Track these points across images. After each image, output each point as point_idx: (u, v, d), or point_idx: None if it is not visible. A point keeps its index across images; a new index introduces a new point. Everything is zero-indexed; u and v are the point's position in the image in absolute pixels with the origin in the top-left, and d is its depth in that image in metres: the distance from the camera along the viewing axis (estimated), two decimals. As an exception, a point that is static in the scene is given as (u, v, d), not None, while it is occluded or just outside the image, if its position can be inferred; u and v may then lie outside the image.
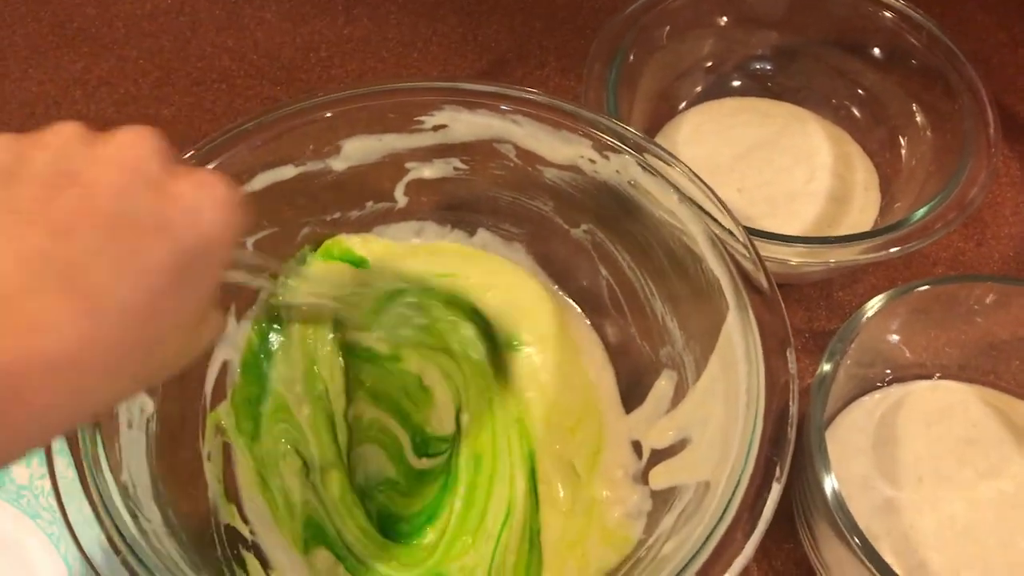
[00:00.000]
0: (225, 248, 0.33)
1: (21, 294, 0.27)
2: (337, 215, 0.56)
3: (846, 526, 0.44)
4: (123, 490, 0.42)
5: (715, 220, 0.47)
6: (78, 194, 0.30)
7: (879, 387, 0.56)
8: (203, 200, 0.32)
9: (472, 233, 0.59)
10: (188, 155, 0.48)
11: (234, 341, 0.54)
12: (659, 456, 0.51)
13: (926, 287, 0.50)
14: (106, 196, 0.30)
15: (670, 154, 0.49)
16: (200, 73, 0.74)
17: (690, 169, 0.48)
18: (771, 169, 0.64)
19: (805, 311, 0.62)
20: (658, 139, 0.66)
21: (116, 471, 0.42)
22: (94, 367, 0.29)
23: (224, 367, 0.53)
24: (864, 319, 0.49)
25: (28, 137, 0.32)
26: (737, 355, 0.44)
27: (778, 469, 0.40)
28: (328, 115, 0.51)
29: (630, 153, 0.50)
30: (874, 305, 0.50)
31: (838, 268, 0.59)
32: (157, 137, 0.33)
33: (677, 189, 0.48)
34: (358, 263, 0.57)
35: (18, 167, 0.30)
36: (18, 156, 0.31)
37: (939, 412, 0.55)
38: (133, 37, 0.76)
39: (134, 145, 0.32)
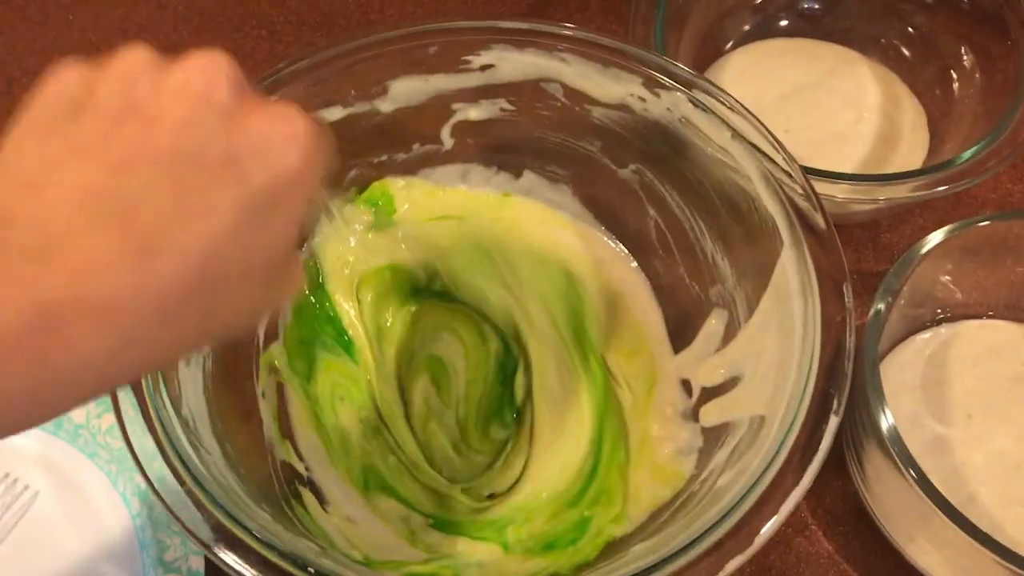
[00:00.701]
0: (302, 190, 0.31)
1: (71, 232, 0.26)
2: (384, 158, 0.56)
3: (902, 460, 0.44)
4: (184, 423, 0.42)
5: (769, 158, 0.47)
6: (140, 128, 0.28)
7: (929, 326, 0.56)
8: (276, 136, 0.30)
9: (518, 175, 0.59)
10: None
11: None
12: (709, 394, 0.51)
13: (984, 223, 0.50)
14: (169, 130, 0.28)
15: (723, 91, 0.49)
16: (240, 19, 0.74)
17: (744, 106, 0.48)
18: (818, 111, 0.63)
19: (853, 252, 0.62)
20: (703, 80, 0.66)
21: (177, 405, 0.43)
22: (147, 314, 0.27)
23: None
24: (918, 258, 0.49)
25: (98, 66, 0.30)
26: (792, 290, 0.45)
27: (835, 402, 0.40)
28: (376, 55, 0.51)
29: (682, 90, 0.49)
30: (928, 243, 0.49)
31: (886, 208, 0.59)
32: (230, 64, 0.30)
33: (730, 127, 0.48)
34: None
35: (85, 98, 0.29)
36: (86, 87, 0.29)
37: (988, 351, 0.55)
38: (171, -13, 0.76)
39: (204, 72, 0.29)
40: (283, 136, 0.30)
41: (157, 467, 0.40)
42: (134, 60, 0.30)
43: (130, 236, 0.27)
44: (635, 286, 0.58)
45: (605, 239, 0.59)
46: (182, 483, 0.40)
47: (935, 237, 0.49)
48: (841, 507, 0.53)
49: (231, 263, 0.29)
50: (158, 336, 0.28)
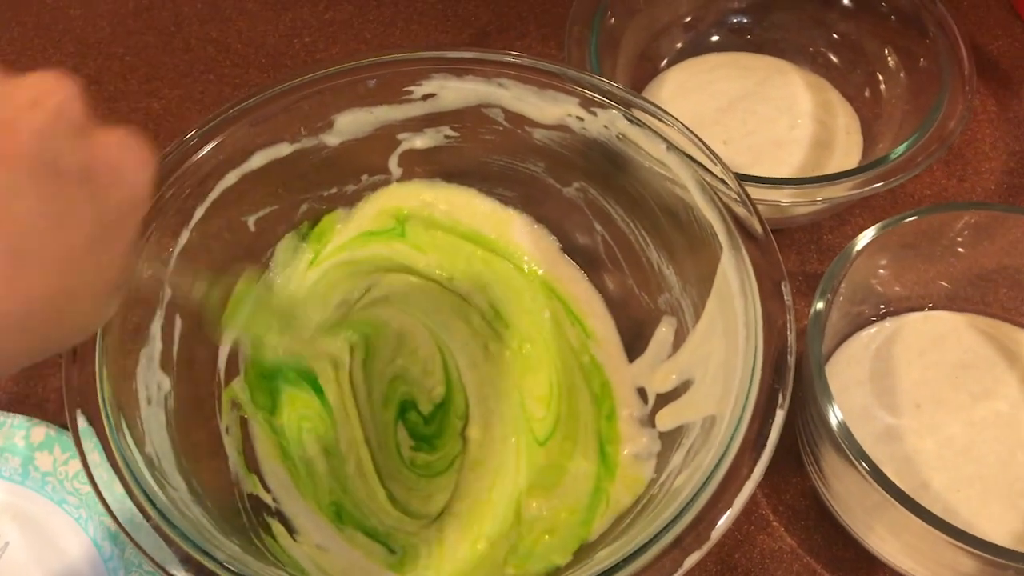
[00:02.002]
0: (141, 212, 0.32)
1: None
2: (334, 190, 0.58)
3: (853, 453, 0.45)
4: (148, 461, 0.43)
5: (704, 168, 0.48)
6: (4, 133, 0.28)
7: (874, 321, 0.57)
8: (129, 159, 0.31)
9: (467, 199, 0.60)
10: (188, 136, 0.49)
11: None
12: (664, 400, 0.52)
13: (912, 218, 0.51)
14: (28, 138, 0.28)
15: (656, 105, 0.50)
16: (187, 66, 0.75)
17: (677, 119, 0.50)
18: (755, 120, 0.65)
19: (797, 254, 0.64)
20: (642, 98, 0.67)
21: (140, 443, 0.43)
22: (3, 316, 0.27)
23: (236, 343, 0.54)
24: (853, 254, 0.51)
25: None
26: (733, 292, 0.46)
27: (780, 396, 0.42)
28: (319, 91, 0.52)
29: (616, 107, 0.51)
30: (862, 240, 0.51)
31: (826, 209, 0.61)
32: (79, 85, 0.30)
33: (665, 139, 0.50)
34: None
35: None
36: None
37: (932, 341, 0.56)
38: (118, 35, 0.77)
39: (56, 88, 0.29)
40: (136, 159, 0.31)
41: (127, 508, 0.41)
42: None
43: (4, 246, 0.26)
44: (589, 299, 0.59)
45: (559, 255, 0.60)
46: (148, 518, 0.40)
47: (866, 235, 0.51)
48: (801, 503, 0.55)
49: (81, 275, 0.29)
50: (10, 339, 0.28)
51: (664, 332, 0.54)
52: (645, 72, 0.69)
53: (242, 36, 0.77)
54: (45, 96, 0.29)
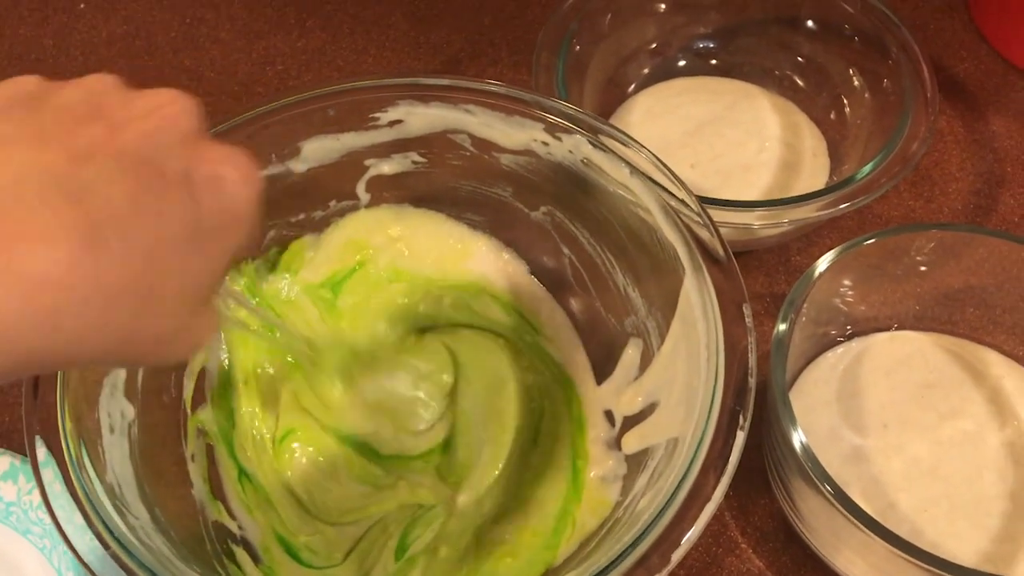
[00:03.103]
0: (244, 229, 0.32)
1: (22, 206, 0.25)
2: (301, 216, 0.58)
3: (817, 476, 0.45)
4: (109, 490, 0.43)
5: (667, 191, 0.49)
6: (105, 128, 0.29)
7: (840, 342, 0.57)
8: (232, 172, 0.31)
9: (437, 226, 0.60)
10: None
11: (211, 346, 0.55)
12: (630, 422, 0.52)
13: (872, 240, 0.52)
14: (134, 135, 0.29)
15: (619, 130, 0.51)
16: (160, 94, 0.75)
17: (640, 143, 0.50)
18: (722, 143, 0.66)
19: (765, 276, 0.64)
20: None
21: (101, 473, 0.43)
22: (77, 298, 0.26)
23: (203, 372, 0.54)
24: (815, 276, 0.51)
25: (62, 80, 0.31)
26: (696, 315, 0.46)
27: (741, 417, 0.42)
28: (285, 117, 0.52)
29: (581, 132, 0.51)
30: (822, 263, 0.51)
31: (794, 231, 0.61)
32: (196, 103, 0.32)
33: (628, 163, 0.50)
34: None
35: (45, 96, 0.30)
36: (46, 88, 0.30)
37: (898, 361, 0.56)
38: (91, 64, 0.77)
39: (174, 101, 0.31)
40: (238, 174, 0.32)
41: (87, 539, 0.41)
42: (103, 79, 0.32)
43: (79, 217, 0.26)
44: (557, 323, 0.59)
45: (528, 279, 0.60)
46: (107, 547, 0.40)
47: (826, 258, 0.51)
48: (769, 524, 0.55)
49: (168, 275, 0.29)
50: (82, 326, 0.27)
51: (631, 354, 0.54)
52: (613, 97, 0.69)
53: (215, 64, 0.77)
54: (162, 106, 0.31)
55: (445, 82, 0.53)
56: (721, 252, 0.47)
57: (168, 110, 0.31)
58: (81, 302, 0.26)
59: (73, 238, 0.26)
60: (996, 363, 0.56)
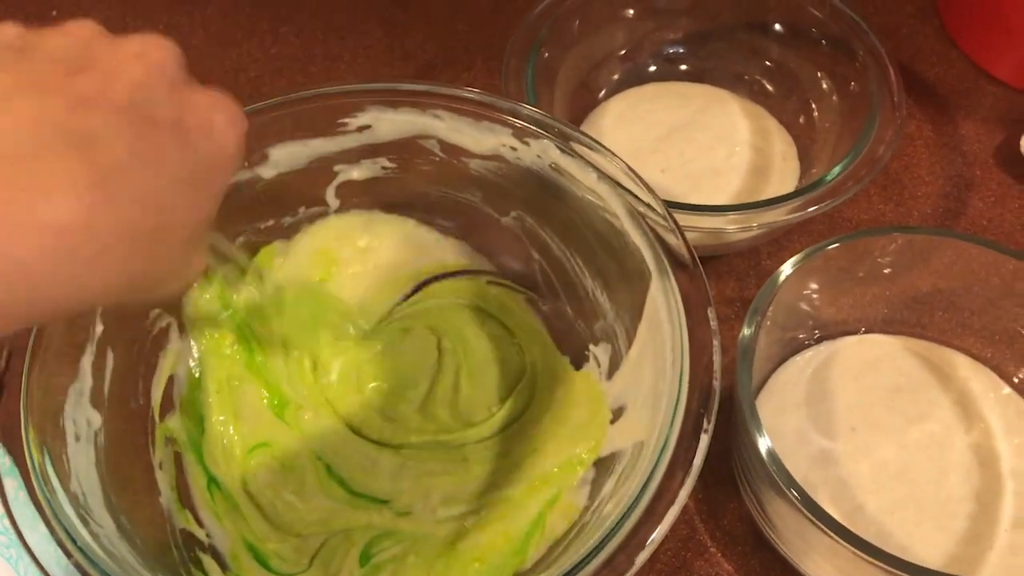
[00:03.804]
0: (232, 169, 0.34)
1: (30, 155, 0.26)
2: (271, 222, 0.58)
3: (783, 481, 0.45)
4: (73, 499, 0.42)
5: (634, 195, 0.49)
6: (98, 77, 0.30)
7: (809, 346, 0.58)
8: (220, 116, 0.33)
9: (407, 231, 0.60)
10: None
11: (180, 353, 0.55)
12: (599, 426, 0.52)
13: (836, 245, 0.52)
14: (126, 84, 0.30)
15: (587, 135, 0.51)
16: (132, 101, 0.75)
17: (607, 147, 0.50)
18: (692, 148, 0.66)
19: (736, 280, 0.64)
20: (582, 128, 0.68)
21: (65, 481, 0.43)
22: (89, 243, 0.27)
23: (171, 380, 0.54)
24: (780, 281, 0.51)
25: (43, 27, 0.32)
26: (661, 318, 0.46)
27: (705, 420, 0.42)
28: (251, 124, 0.52)
29: (548, 137, 0.51)
30: (789, 266, 0.51)
31: (764, 234, 0.61)
32: (175, 46, 0.33)
33: (595, 168, 0.50)
34: None
35: (31, 46, 0.30)
36: (29, 38, 0.31)
37: (867, 364, 0.57)
38: (63, 71, 0.77)
39: (159, 47, 0.32)
40: (226, 117, 0.33)
41: (53, 548, 0.40)
42: (85, 25, 0.32)
43: (88, 166, 0.27)
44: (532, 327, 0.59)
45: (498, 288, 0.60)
46: (69, 555, 0.40)
47: (790, 263, 0.51)
48: (739, 528, 0.55)
49: (170, 217, 0.31)
50: (99, 271, 0.28)
51: (600, 359, 0.54)
52: (584, 102, 0.69)
53: (188, 70, 0.77)
54: (147, 52, 0.32)
55: (413, 87, 0.53)
56: (687, 256, 0.47)
57: (155, 56, 0.32)
58: (99, 247, 0.28)
59: (84, 186, 0.27)
60: (963, 366, 0.56)
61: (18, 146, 0.26)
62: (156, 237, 0.30)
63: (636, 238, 0.48)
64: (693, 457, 0.41)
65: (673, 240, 0.47)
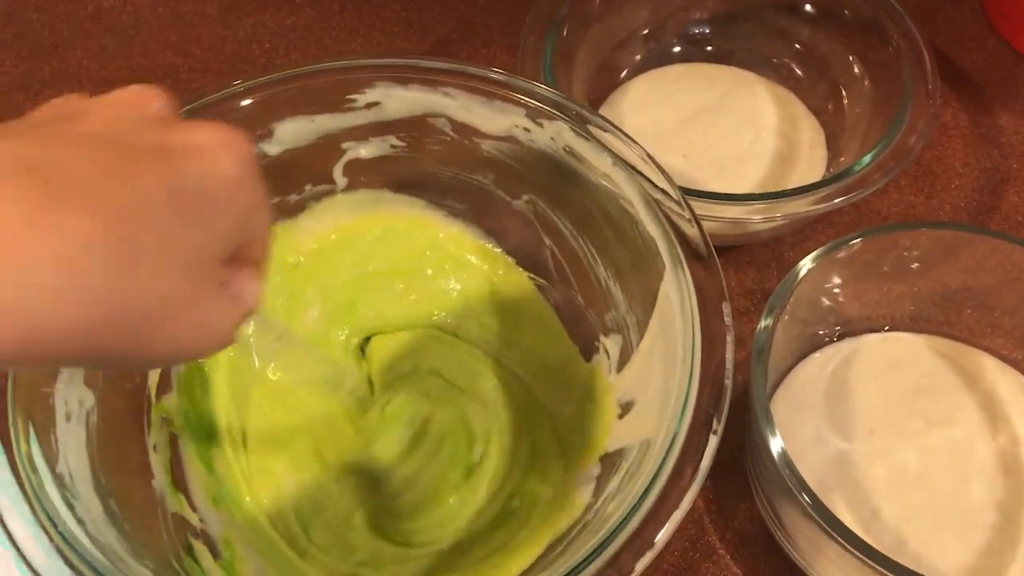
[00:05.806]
0: (241, 196, 0.31)
1: None
2: (276, 200, 0.56)
3: (795, 485, 0.44)
4: (58, 480, 0.41)
5: (651, 182, 0.47)
6: (75, 119, 0.30)
7: (830, 342, 0.55)
8: (208, 141, 0.30)
9: (418, 212, 0.59)
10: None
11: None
12: (607, 421, 0.50)
13: (858, 239, 0.50)
14: (99, 120, 0.30)
15: (603, 118, 0.49)
16: (145, 71, 0.74)
17: (623, 131, 0.48)
18: (716, 133, 0.64)
19: (757, 272, 0.62)
20: (602, 110, 0.66)
21: (51, 462, 0.42)
22: (44, 257, 0.25)
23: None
24: (800, 275, 0.49)
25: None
26: (674, 312, 0.44)
27: (715, 420, 0.40)
28: (256, 98, 0.51)
29: (563, 119, 0.49)
30: (811, 260, 0.49)
31: (787, 225, 0.59)
32: (165, 92, 0.33)
33: (611, 152, 0.48)
34: None
35: (31, 115, 0.31)
36: (21, 118, 0.31)
37: (889, 364, 0.54)
38: (77, 38, 0.76)
39: (138, 93, 0.32)
40: (219, 139, 0.30)
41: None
42: (69, 95, 0.32)
43: (40, 184, 0.25)
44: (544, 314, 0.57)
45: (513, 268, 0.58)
46: (51, 539, 0.39)
47: (811, 257, 0.49)
48: (750, 529, 0.53)
49: (148, 233, 0.27)
50: (56, 286, 0.25)
51: (611, 351, 0.52)
52: (605, 83, 0.67)
53: (202, 41, 0.76)
54: (128, 96, 0.32)
55: (423, 64, 0.51)
56: (703, 247, 0.45)
57: (133, 100, 0.32)
58: (50, 261, 0.25)
59: (29, 202, 0.25)
60: (991, 368, 0.54)
61: None
62: (142, 252, 0.27)
63: (651, 227, 0.46)
64: (701, 459, 0.39)
65: (689, 230, 0.45)
